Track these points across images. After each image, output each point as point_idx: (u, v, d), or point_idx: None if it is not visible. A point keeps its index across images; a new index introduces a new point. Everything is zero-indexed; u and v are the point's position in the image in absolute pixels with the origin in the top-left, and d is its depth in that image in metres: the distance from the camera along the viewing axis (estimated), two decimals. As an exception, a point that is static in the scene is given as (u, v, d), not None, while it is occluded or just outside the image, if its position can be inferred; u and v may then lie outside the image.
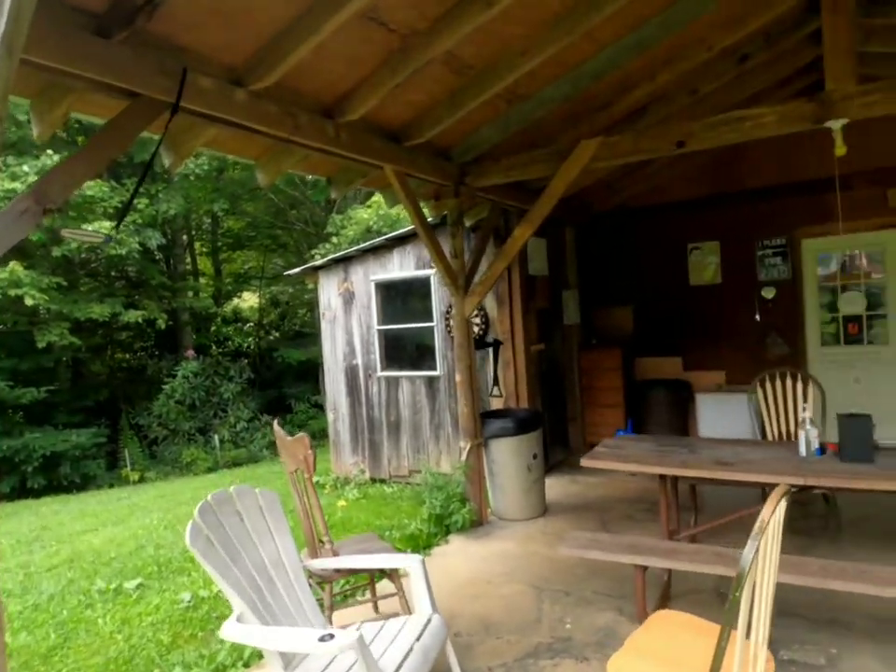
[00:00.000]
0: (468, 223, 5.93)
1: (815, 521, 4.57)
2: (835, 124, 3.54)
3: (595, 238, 7.58)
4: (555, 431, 6.59)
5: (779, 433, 5.08)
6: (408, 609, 2.97)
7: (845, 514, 4.48)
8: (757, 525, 1.73)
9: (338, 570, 2.87)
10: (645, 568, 2.96)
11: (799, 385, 4.78)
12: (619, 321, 7.47)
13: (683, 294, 7.11)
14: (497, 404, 5.83)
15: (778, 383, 4.88)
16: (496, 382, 5.56)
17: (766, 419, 4.85)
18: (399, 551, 4.24)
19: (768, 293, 6.64)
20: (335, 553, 2.89)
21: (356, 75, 3.33)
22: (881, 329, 6.30)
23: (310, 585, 2.99)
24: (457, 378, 4.82)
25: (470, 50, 3.52)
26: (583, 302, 7.47)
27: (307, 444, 2.73)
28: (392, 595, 3.08)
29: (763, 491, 4.94)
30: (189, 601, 3.85)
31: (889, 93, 3.39)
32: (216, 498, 2.54)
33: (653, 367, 7.29)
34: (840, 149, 3.56)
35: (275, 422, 3.02)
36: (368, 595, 3.51)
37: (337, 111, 3.48)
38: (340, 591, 3.53)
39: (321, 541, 2.91)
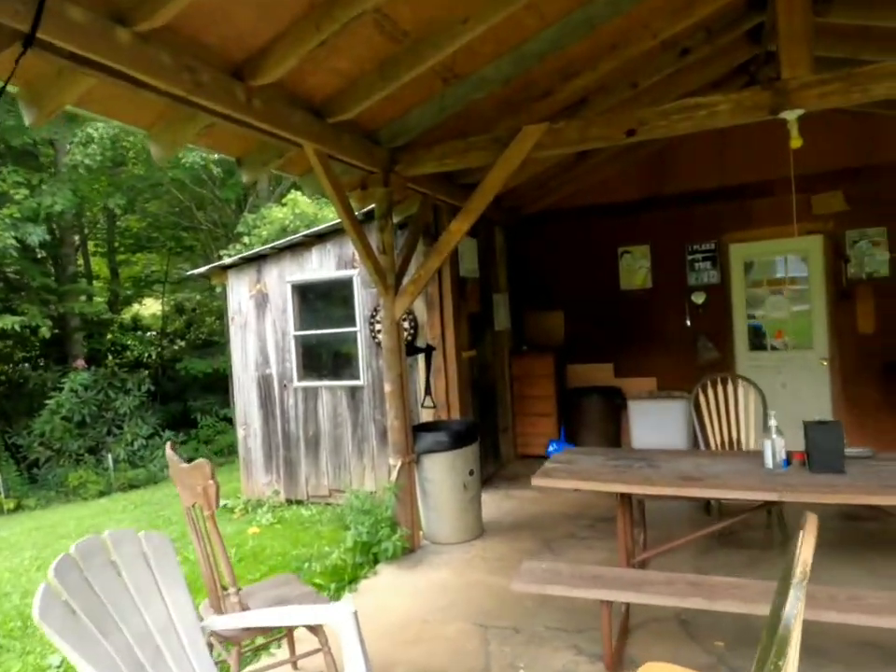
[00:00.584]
0: (396, 219, 5.46)
1: (759, 532, 4.39)
2: (791, 115, 3.35)
3: (526, 240, 7.31)
4: (487, 443, 6.20)
5: (722, 441, 4.91)
6: (335, 669, 2.44)
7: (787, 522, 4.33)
8: (799, 570, 1.36)
9: (247, 629, 2.30)
10: (611, 602, 2.58)
11: (740, 391, 4.62)
12: (550, 326, 7.22)
13: (614, 299, 6.94)
14: (427, 416, 5.37)
15: (720, 388, 4.71)
16: (428, 391, 5.10)
17: (709, 427, 4.65)
18: (321, 589, 3.68)
19: (698, 298, 6.57)
20: (243, 607, 2.32)
21: (270, 28, 2.80)
22: (805, 334, 6.35)
23: (212, 645, 2.40)
24: (387, 388, 4.32)
25: (406, 12, 3.08)
26: (514, 307, 7.17)
27: (207, 473, 2.16)
28: (315, 651, 2.54)
29: (709, 504, 4.77)
30: (59, 666, 3.12)
31: (846, 83, 3.23)
32: (81, 549, 1.93)
33: (585, 374, 7.07)
34: (796, 141, 3.37)
35: (167, 445, 2.42)
36: (284, 645, 2.95)
37: (248, 71, 2.93)
38: (250, 646, 2.94)
39: (226, 591, 2.34)
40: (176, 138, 3.16)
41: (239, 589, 2.46)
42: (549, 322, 7.21)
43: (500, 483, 6.05)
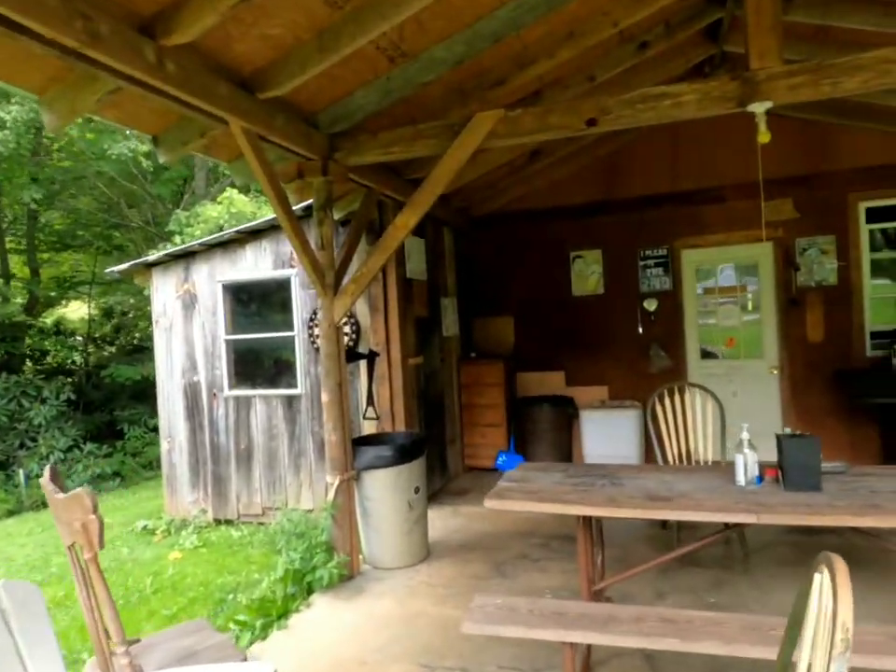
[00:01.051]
0: (337, 216, 5.07)
1: (719, 549, 4.19)
2: (759, 107, 3.16)
3: (476, 242, 7.02)
4: (434, 455, 5.85)
5: (679, 453, 4.72)
6: (252, 737, 2.03)
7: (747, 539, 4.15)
8: (840, 636, 1.05)
9: (140, 698, 1.87)
10: (575, 644, 2.26)
11: (697, 401, 4.43)
12: (500, 333, 6.94)
13: (566, 304, 6.72)
14: (370, 428, 4.98)
15: (676, 398, 4.51)
16: (370, 401, 4.70)
17: (666, 438, 4.44)
18: (245, 627, 3.23)
19: (650, 305, 6.42)
20: (134, 669, 1.88)
21: (185, -24, 2.39)
22: (756, 343, 6.27)
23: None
24: (324, 398, 3.92)
25: (346, -27, 2.73)
26: (463, 312, 6.85)
27: (88, 506, 1.72)
28: (229, 715, 2.11)
29: (665, 520, 4.55)
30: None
31: (816, 75, 3.05)
32: None
33: (536, 382, 6.82)
34: (764, 136, 3.18)
35: (46, 471, 1.97)
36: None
37: (160, 28, 2.50)
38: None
39: (113, 652, 1.90)
40: (75, 105, 2.70)
41: (134, 642, 2.02)
42: (499, 328, 6.94)
43: (448, 498, 5.70)
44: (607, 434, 6.14)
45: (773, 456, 2.91)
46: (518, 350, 6.86)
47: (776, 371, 6.13)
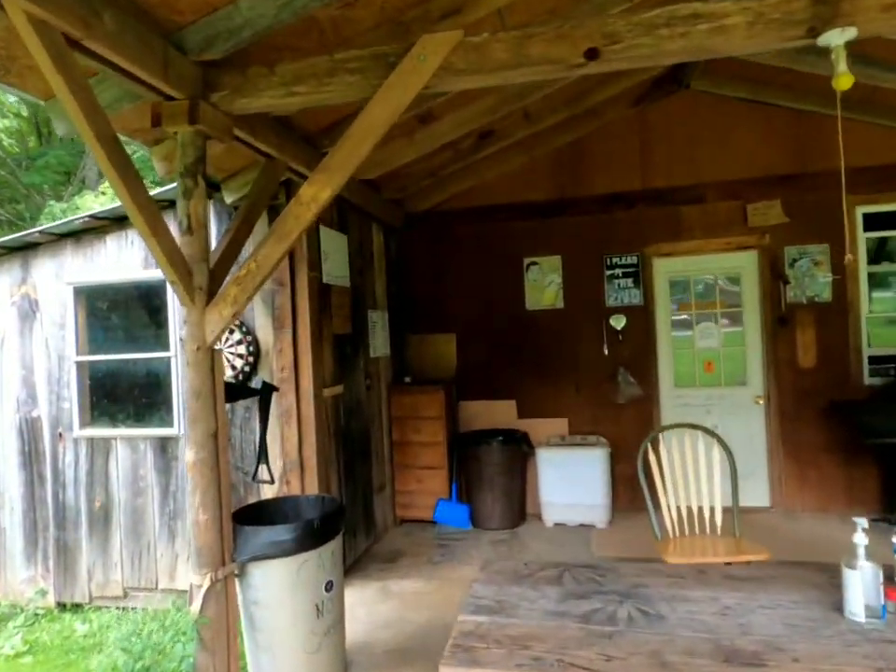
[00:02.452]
0: (229, 199, 3.78)
1: None
2: (837, 38, 2.15)
3: (412, 244, 5.85)
4: (357, 508, 4.59)
5: (679, 516, 3.71)
6: None
7: None
8: None
9: None
10: None
11: (700, 447, 3.42)
12: (440, 353, 5.77)
13: (519, 321, 5.64)
14: (268, 492, 3.68)
15: (674, 443, 3.48)
16: (262, 457, 3.36)
17: (663, 495, 3.40)
18: None
19: (618, 322, 5.43)
20: None
21: None
22: (738, 368, 5.39)
23: None
24: (189, 456, 2.60)
25: None
26: (395, 327, 5.65)
27: None
28: None
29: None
30: None
31: (926, -10, 2.08)
32: None
33: (482, 413, 5.68)
34: (845, 79, 2.17)
35: None
36: None
37: None
38: None
39: None
40: None
41: None
42: (439, 348, 5.77)
43: (375, 566, 4.45)
44: (569, 477, 5.07)
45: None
46: (462, 374, 5.71)
47: (761, 402, 5.25)
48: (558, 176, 5.56)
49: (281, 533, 2.70)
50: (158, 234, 2.42)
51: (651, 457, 3.41)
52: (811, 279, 5.09)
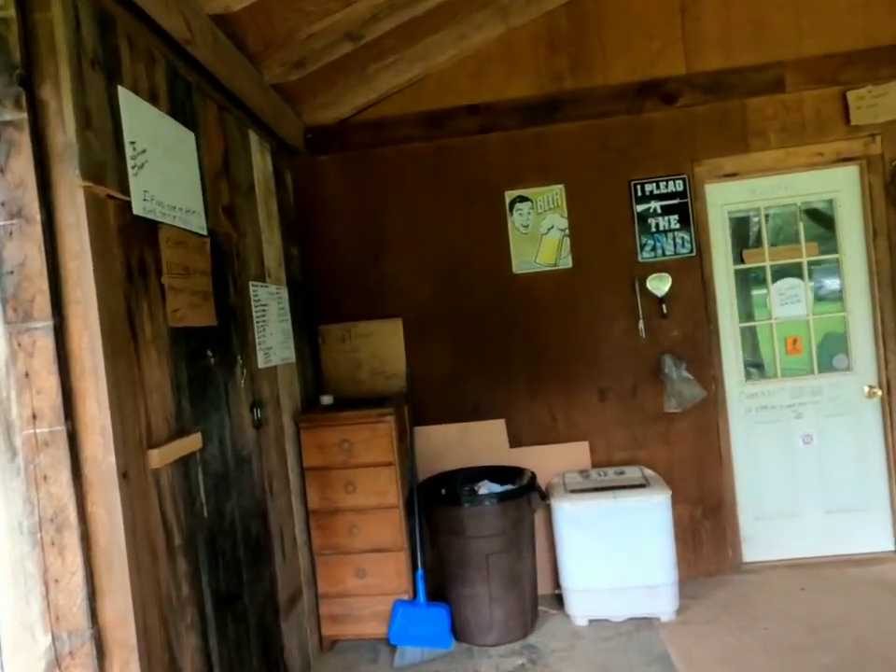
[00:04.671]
0: None
1: None
2: None
3: (321, 177, 3.62)
4: (242, 642, 2.35)
5: None
6: None
7: None
8: None
9: None
10: None
11: None
12: (378, 353, 3.58)
13: (503, 292, 3.54)
14: None
15: None
16: None
17: None
18: None
19: (659, 284, 3.45)
20: None
21: None
22: (838, 345, 3.56)
23: None
24: None
25: None
26: (301, 315, 3.41)
27: None
28: None
29: None
30: None
31: None
32: None
33: (455, 443, 3.55)
34: None
35: None
36: None
37: None
38: None
39: None
40: None
41: None
42: (376, 345, 3.57)
43: None
44: (609, 543, 3.06)
45: None
46: (418, 384, 3.55)
47: (877, 394, 3.45)
48: (553, 59, 3.48)
49: None
50: None
51: None
52: (948, 203, 3.32)
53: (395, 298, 3.58)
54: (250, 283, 2.76)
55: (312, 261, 3.60)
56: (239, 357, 2.56)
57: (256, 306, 2.79)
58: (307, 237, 3.59)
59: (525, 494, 3.09)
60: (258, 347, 2.76)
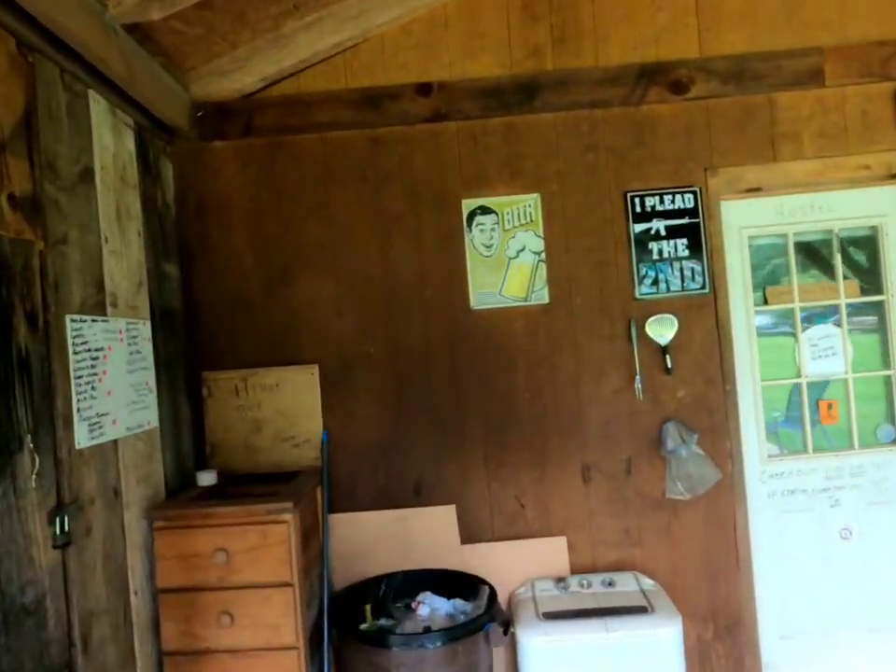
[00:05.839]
0: None
1: None
2: None
3: (214, 168, 2.67)
4: None
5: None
6: None
7: None
8: None
9: None
10: None
11: None
12: (284, 411, 2.62)
13: (456, 333, 2.65)
14: None
15: None
16: None
17: None
18: None
19: (661, 330, 2.61)
20: None
21: None
22: (885, 412, 2.79)
23: None
24: None
25: None
26: (169, 359, 2.43)
27: None
28: None
29: None
30: None
31: None
32: None
33: (385, 538, 2.61)
34: None
35: None
36: None
37: None
38: None
39: None
40: None
41: None
42: (281, 400, 2.61)
43: None
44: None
45: None
46: (337, 456, 2.60)
47: (935, 477, 2.68)
48: (530, 29, 2.65)
49: None
50: None
51: None
52: None
53: (311, 337, 2.64)
54: (68, 317, 1.79)
55: (198, 284, 2.63)
56: (27, 439, 1.58)
57: (77, 353, 1.81)
58: (192, 251, 2.64)
59: (483, 626, 2.16)
60: (76, 417, 1.78)
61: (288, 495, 2.15)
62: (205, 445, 2.60)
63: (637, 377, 2.60)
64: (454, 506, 2.61)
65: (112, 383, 1.98)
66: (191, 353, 2.60)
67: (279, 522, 2.09)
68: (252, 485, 2.43)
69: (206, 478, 2.41)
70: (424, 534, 2.61)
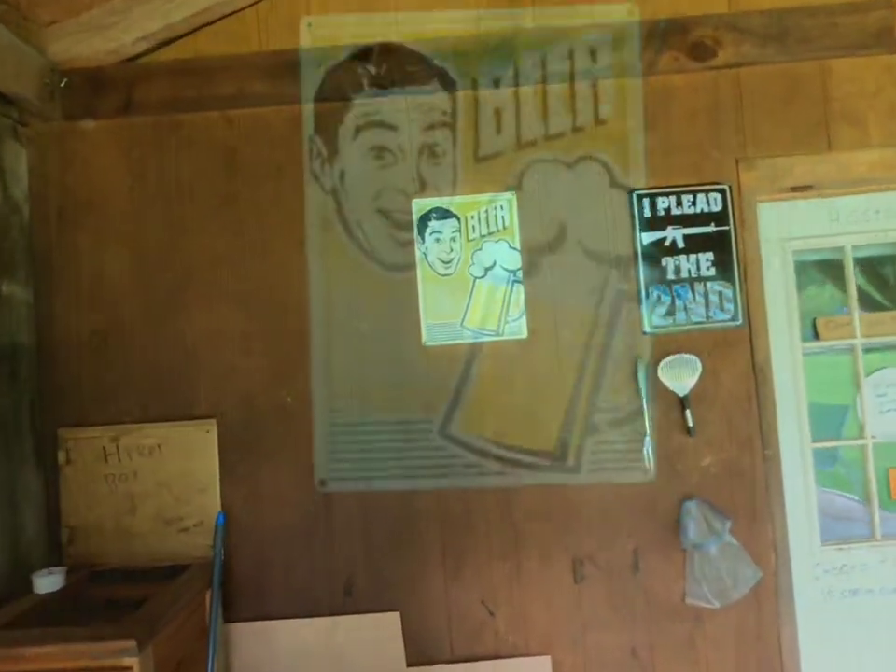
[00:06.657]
0: None
1: None
2: None
3: (84, 157, 2.01)
4: None
5: None
6: None
7: None
8: None
9: None
10: None
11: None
12: (172, 477, 1.93)
13: (403, 377, 1.97)
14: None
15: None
16: None
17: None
18: None
19: (682, 374, 1.93)
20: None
21: None
22: (976, 486, 2.10)
23: None
24: None
25: None
26: (22, 409, 1.74)
27: None
28: None
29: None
30: None
31: None
32: None
33: (306, 654, 1.91)
34: None
35: None
36: None
37: None
38: None
39: None
40: None
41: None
42: (169, 466, 1.93)
43: None
44: None
45: None
46: (236, 543, 1.92)
47: None
48: (501, -24, 2.01)
49: None
50: None
51: None
52: None
53: (208, 382, 1.96)
54: None
55: (57, 312, 1.97)
56: None
57: None
58: (50, 267, 1.98)
59: None
60: None
61: (137, 623, 1.46)
62: (60, 530, 1.92)
63: (647, 439, 1.93)
64: (398, 613, 1.92)
65: None
66: (43, 404, 1.93)
67: (118, 669, 1.40)
68: (120, 586, 1.78)
69: (47, 582, 1.72)
70: (358, 651, 1.92)
